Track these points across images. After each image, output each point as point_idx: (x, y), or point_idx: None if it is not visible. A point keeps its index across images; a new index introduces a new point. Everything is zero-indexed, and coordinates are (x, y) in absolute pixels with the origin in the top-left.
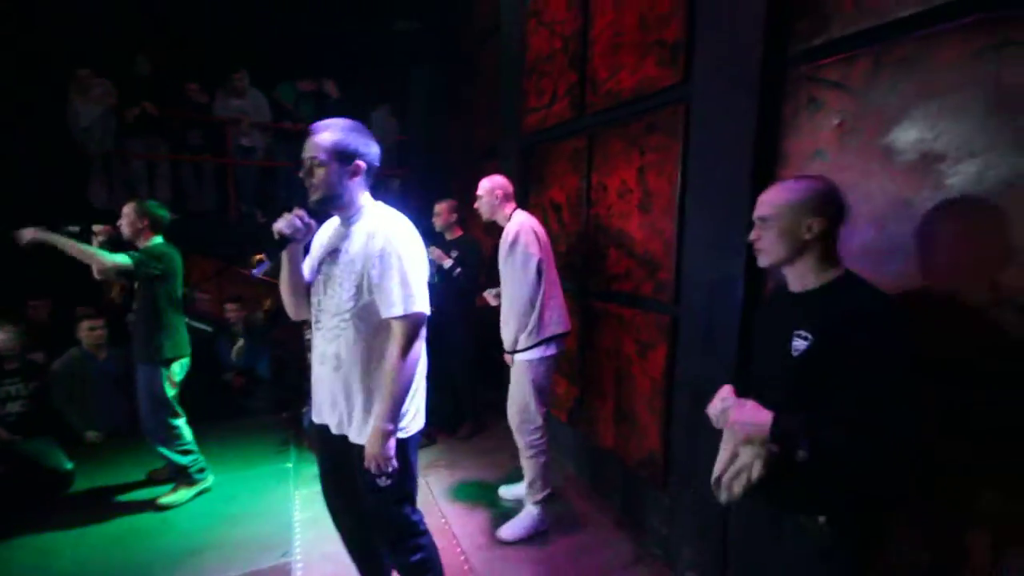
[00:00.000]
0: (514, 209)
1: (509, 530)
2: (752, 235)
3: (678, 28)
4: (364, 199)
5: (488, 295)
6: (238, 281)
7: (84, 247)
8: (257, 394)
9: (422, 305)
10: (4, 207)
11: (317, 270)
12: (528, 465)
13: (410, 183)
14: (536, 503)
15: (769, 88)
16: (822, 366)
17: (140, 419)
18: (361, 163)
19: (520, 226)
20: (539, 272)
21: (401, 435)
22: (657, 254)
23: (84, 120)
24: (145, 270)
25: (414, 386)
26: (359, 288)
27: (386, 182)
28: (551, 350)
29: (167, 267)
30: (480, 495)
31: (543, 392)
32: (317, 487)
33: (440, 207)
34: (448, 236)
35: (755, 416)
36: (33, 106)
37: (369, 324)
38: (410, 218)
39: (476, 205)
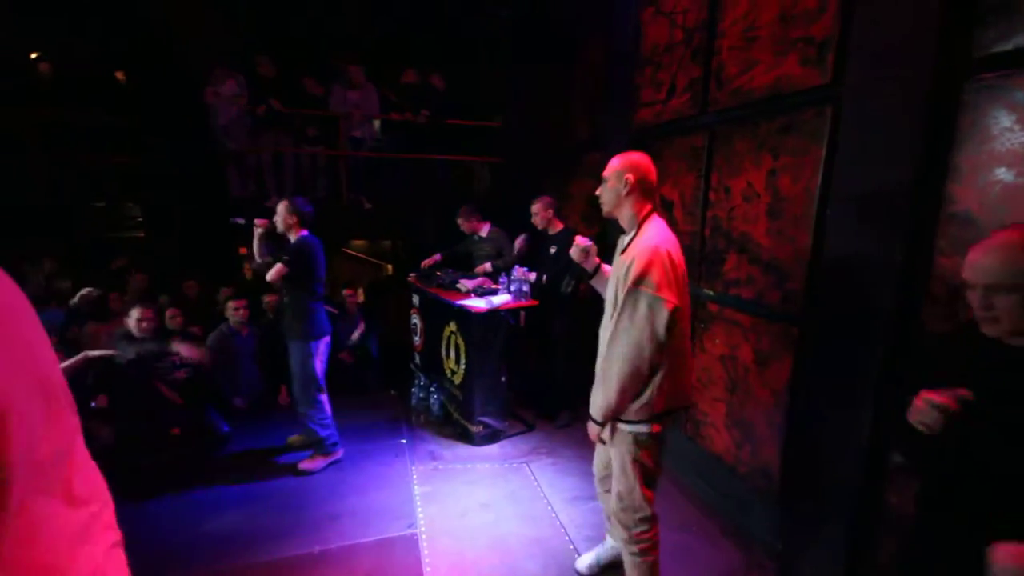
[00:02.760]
0: (649, 211)
1: None
2: (978, 303)
3: (829, 24)
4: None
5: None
6: (342, 263)
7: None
8: (368, 372)
9: None
10: (163, 198)
11: None
12: (629, 565)
13: (507, 172)
14: None
15: (941, 95)
16: None
17: (293, 394)
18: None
19: (652, 252)
20: (671, 325)
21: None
22: (787, 263)
23: (223, 118)
24: (293, 269)
25: None
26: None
27: None
28: (665, 424)
29: (310, 261)
30: (582, 486)
31: (653, 475)
32: (432, 463)
33: (536, 207)
34: (550, 231)
35: None
36: (176, 109)
37: None
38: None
39: (599, 191)
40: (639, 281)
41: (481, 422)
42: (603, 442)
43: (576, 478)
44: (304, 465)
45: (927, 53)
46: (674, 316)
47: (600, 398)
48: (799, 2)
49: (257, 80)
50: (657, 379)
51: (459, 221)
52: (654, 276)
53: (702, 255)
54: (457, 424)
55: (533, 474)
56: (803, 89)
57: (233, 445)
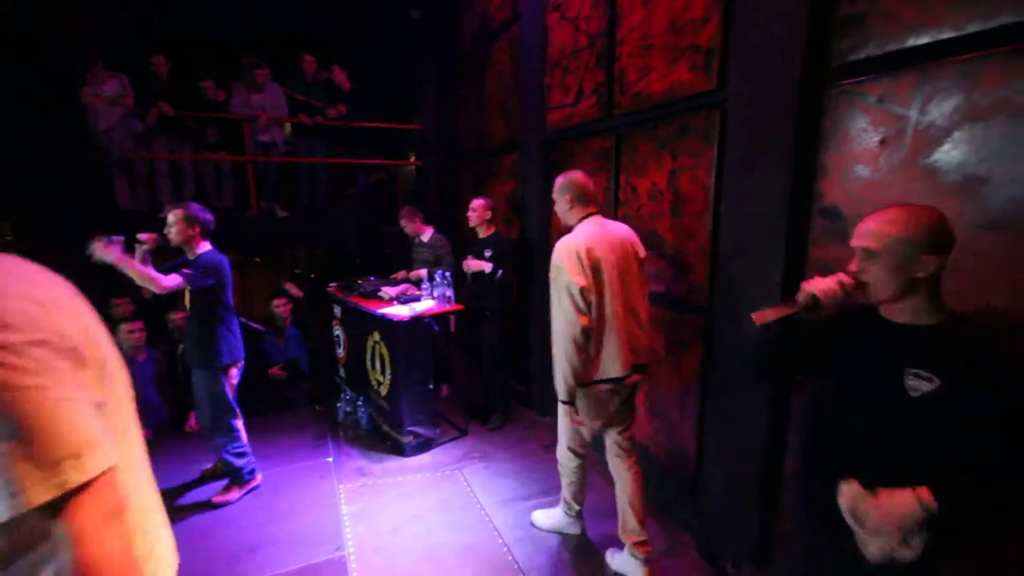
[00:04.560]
0: (584, 215)
1: (543, 519)
2: (853, 266)
3: (713, 34)
4: None
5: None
6: (261, 275)
7: (145, 271)
8: (296, 387)
9: None
10: (38, 211)
11: None
12: (563, 485)
13: (424, 173)
14: (569, 515)
15: (808, 99)
16: (949, 411)
17: (201, 423)
18: None
19: (561, 245)
20: (587, 302)
21: None
22: (690, 257)
23: (103, 123)
24: (200, 283)
25: None
26: None
27: None
28: (595, 388)
29: (219, 277)
30: (515, 487)
31: (579, 433)
32: (360, 480)
33: (476, 203)
34: (481, 233)
35: (906, 507)
36: (52, 110)
37: None
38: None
39: (555, 208)
40: (554, 272)
41: (411, 432)
42: (579, 422)
43: (510, 479)
44: (218, 498)
45: (794, 62)
46: (585, 295)
47: (559, 379)
48: (686, 12)
49: (148, 81)
50: (589, 350)
51: (402, 222)
52: (564, 265)
53: None
54: (387, 436)
55: (466, 480)
56: (693, 94)
57: None
